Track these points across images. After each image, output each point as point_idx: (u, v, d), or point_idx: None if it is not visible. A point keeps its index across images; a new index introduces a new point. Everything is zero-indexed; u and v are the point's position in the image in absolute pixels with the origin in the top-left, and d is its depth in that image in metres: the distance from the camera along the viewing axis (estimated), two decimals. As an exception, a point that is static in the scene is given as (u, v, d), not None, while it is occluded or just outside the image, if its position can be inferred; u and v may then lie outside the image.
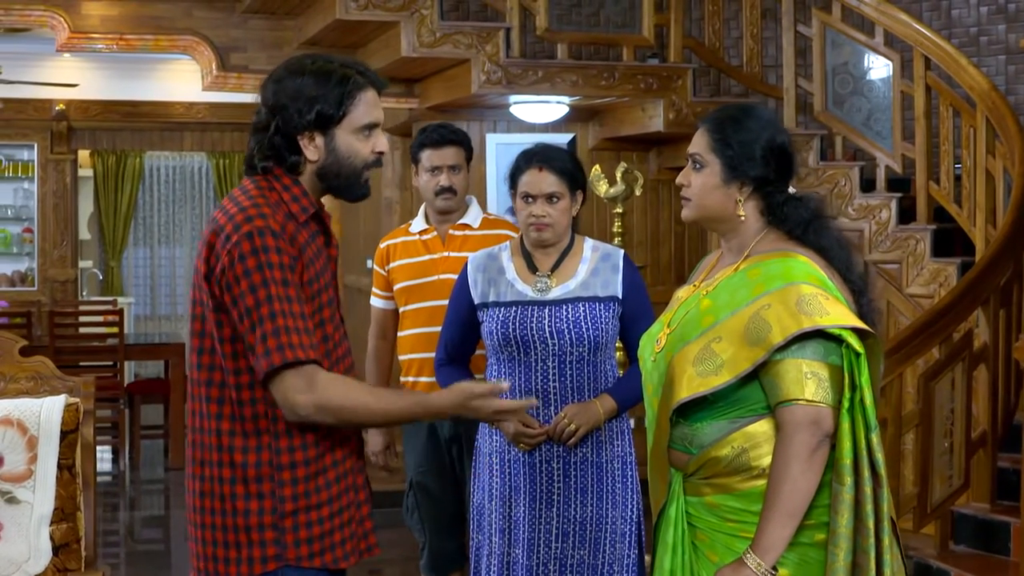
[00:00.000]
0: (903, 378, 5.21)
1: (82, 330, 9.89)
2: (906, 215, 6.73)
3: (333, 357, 2.84)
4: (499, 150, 7.94)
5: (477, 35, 6.79)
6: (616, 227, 6.39)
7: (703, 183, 2.81)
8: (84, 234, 12.79)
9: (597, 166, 6.41)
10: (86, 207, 13.28)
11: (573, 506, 3.70)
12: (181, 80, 11.18)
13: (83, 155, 13.39)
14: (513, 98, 7.22)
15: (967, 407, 5.23)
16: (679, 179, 2.88)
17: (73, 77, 11.32)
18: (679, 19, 7.19)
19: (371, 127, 2.84)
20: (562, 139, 7.93)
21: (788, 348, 2.60)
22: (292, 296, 2.68)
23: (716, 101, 7.30)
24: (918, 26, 6.63)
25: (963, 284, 5.35)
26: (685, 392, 2.70)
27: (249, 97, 8.47)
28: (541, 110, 7.43)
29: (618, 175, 6.26)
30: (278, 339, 2.65)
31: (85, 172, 13.63)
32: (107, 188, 13.09)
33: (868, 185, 6.97)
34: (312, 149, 2.80)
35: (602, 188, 6.26)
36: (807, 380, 2.59)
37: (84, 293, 12.64)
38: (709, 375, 2.67)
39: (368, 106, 2.83)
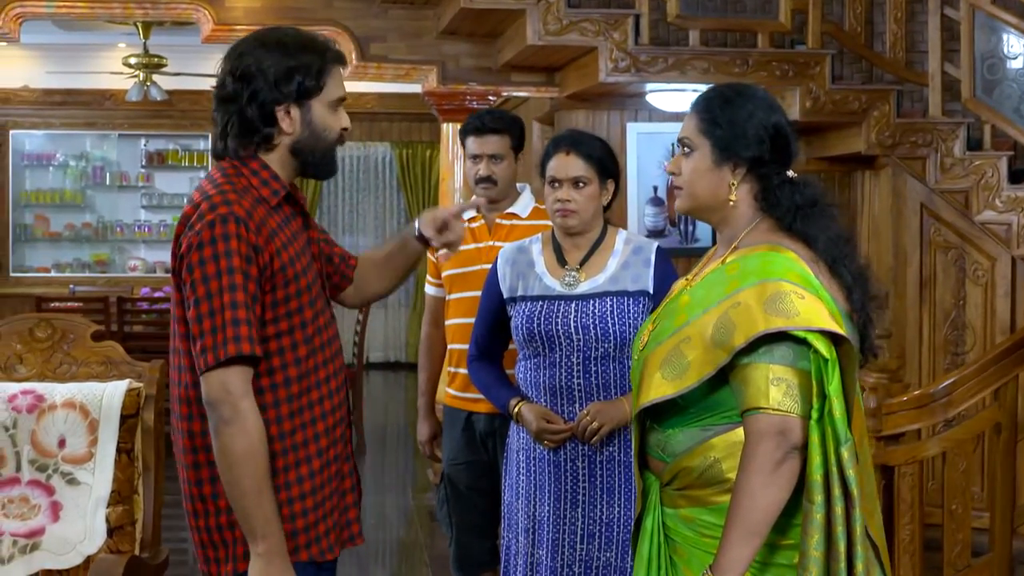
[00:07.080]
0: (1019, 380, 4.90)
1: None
2: (1057, 208, 6.37)
3: (316, 341, 2.76)
4: (640, 140, 7.78)
5: (605, 22, 6.65)
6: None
7: (693, 167, 2.64)
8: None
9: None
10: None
11: (600, 507, 3.56)
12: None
13: (269, 146, 13.73)
14: (649, 86, 7.06)
15: (1095, 413, 4.90)
16: (669, 167, 2.72)
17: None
18: (818, 3, 6.90)
19: (341, 101, 2.80)
20: (705, 128, 7.72)
21: (755, 351, 2.39)
22: (237, 284, 2.59)
23: (861, 89, 6.98)
24: (1071, 7, 6.24)
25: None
26: (651, 395, 2.53)
27: (413, 87, 8.56)
28: (677, 98, 7.23)
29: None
30: (224, 333, 2.57)
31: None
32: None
33: (1018, 176, 6.60)
34: (288, 122, 2.73)
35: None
36: (773, 387, 2.36)
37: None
38: (674, 378, 2.49)
39: (339, 80, 2.80)
